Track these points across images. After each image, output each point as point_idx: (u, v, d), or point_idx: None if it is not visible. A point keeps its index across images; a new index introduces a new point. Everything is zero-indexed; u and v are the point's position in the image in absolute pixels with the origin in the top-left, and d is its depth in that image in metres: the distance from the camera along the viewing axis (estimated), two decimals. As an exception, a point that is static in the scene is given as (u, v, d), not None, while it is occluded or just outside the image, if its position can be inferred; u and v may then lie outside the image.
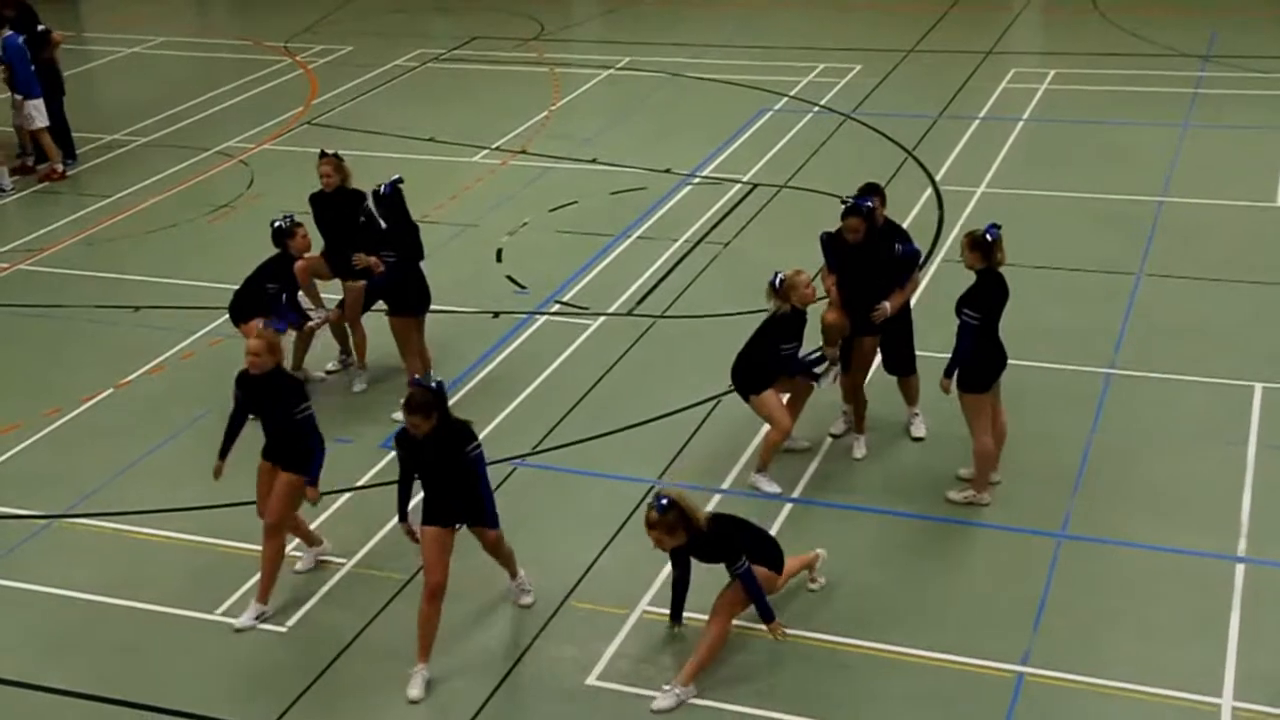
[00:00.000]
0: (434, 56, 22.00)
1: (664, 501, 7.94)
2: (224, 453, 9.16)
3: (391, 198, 10.81)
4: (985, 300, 9.41)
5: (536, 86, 20.15)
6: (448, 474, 8.30)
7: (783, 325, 9.85)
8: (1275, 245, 13.70)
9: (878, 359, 10.54)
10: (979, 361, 9.46)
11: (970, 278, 9.49)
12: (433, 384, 8.30)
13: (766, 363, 9.93)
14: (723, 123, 17.95)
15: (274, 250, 11.36)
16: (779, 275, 9.81)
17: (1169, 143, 16.57)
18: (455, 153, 17.36)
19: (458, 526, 8.41)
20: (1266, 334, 12.00)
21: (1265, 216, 14.47)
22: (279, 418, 8.84)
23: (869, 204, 10.08)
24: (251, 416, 9.05)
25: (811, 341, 10.33)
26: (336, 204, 11.44)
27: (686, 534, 8.00)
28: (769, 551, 8.42)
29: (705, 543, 8.09)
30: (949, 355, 9.52)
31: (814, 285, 9.96)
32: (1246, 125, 17.07)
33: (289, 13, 25.05)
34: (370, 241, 11.18)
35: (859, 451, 10.40)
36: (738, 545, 8.09)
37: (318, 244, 11.60)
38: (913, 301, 10.53)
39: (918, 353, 10.52)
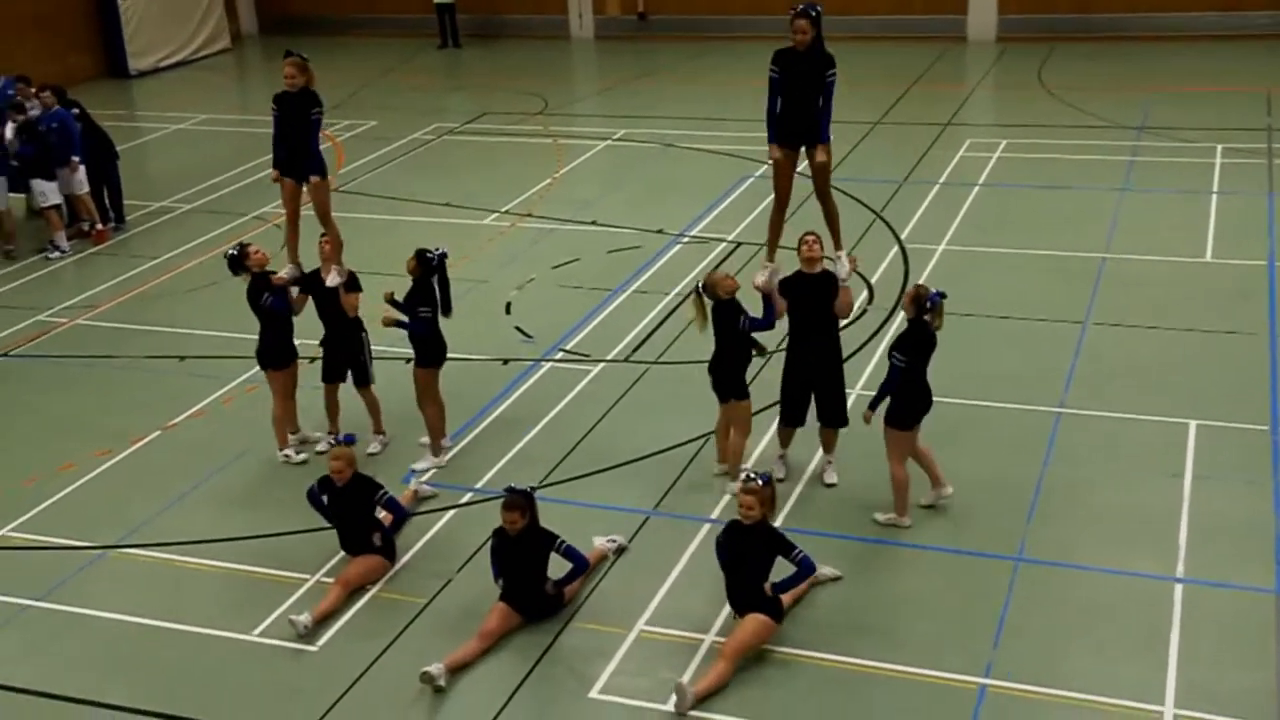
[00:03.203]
0: (450, 130, 22.09)
1: (765, 476, 8.32)
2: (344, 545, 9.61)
3: (436, 265, 10.78)
4: (911, 346, 9.43)
5: (542, 156, 20.22)
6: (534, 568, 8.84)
7: (723, 313, 9.86)
8: (1206, 296, 13.73)
9: (812, 412, 10.39)
10: (904, 402, 9.49)
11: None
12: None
13: (739, 359, 9.97)
14: (709, 188, 18.01)
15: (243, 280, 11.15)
16: (699, 284, 9.90)
17: (1110, 205, 16.63)
18: (469, 216, 17.40)
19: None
20: (1200, 376, 12.00)
21: (1197, 270, 14.52)
22: (363, 515, 9.43)
23: (817, 9, 9.81)
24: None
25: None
26: (297, 102, 11.30)
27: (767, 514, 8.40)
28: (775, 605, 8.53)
29: (770, 531, 8.41)
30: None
31: (731, 275, 9.96)
32: (1178, 189, 17.14)
33: (319, 91, 25.07)
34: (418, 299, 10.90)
35: (830, 477, 10.41)
36: (792, 542, 8.44)
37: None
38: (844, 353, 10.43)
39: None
